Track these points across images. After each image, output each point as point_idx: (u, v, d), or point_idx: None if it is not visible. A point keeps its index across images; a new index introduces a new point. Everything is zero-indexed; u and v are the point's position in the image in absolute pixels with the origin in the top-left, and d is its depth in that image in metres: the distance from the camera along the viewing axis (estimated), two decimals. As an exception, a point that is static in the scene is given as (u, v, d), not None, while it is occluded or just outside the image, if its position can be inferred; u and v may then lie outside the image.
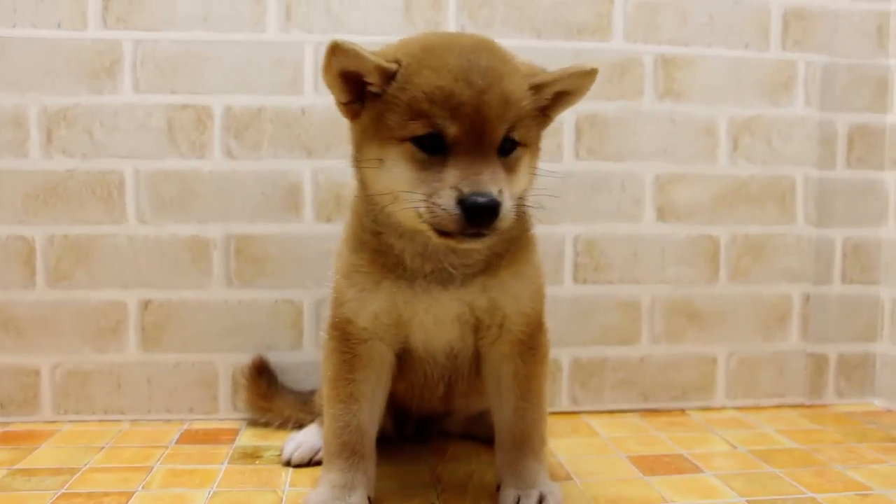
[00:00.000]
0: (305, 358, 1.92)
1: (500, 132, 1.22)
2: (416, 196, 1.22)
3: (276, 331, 1.93)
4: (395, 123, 1.24)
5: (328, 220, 1.91)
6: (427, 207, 1.21)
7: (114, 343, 1.90)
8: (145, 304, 1.90)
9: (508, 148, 1.25)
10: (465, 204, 1.17)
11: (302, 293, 1.93)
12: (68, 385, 1.90)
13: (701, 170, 2.03)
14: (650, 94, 2.00)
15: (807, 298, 2.09)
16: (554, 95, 1.32)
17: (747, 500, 1.45)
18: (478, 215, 1.17)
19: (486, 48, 1.28)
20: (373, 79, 1.26)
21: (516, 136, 1.25)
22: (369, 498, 1.38)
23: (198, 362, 1.92)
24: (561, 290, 1.99)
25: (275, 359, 1.92)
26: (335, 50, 1.23)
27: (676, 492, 1.50)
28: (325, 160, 1.90)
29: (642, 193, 2.01)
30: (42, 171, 1.87)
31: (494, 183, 1.19)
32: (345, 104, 1.32)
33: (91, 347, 1.90)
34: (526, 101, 1.26)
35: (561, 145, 1.98)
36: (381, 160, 1.26)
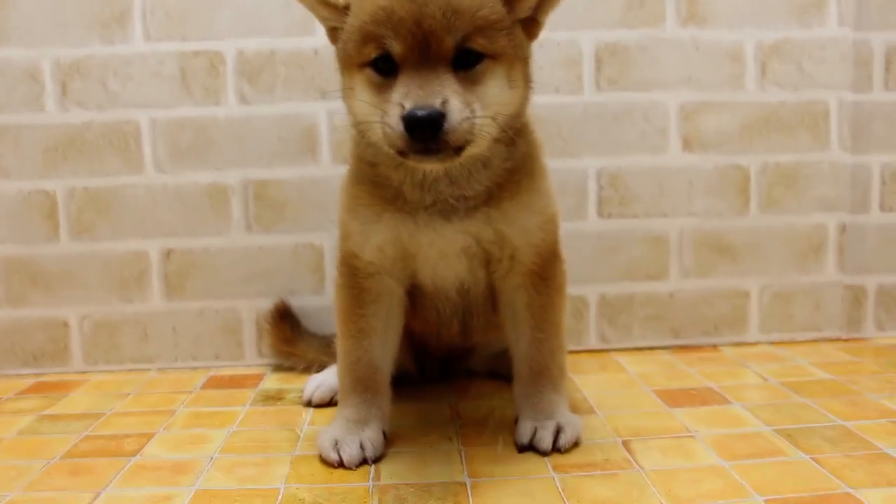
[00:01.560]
0: (328, 302, 1.89)
1: (449, 43, 1.18)
2: (377, 119, 1.20)
3: (297, 275, 1.93)
4: (354, 51, 1.25)
5: (345, 161, 1.88)
6: (381, 128, 1.19)
7: (138, 293, 1.92)
8: (167, 253, 1.91)
9: (472, 60, 1.21)
10: (405, 119, 1.14)
11: (322, 236, 1.92)
12: (96, 336, 1.92)
13: (728, 97, 1.96)
14: (672, 20, 1.93)
15: (843, 228, 2.02)
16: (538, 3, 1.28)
17: (773, 429, 1.42)
18: (418, 129, 1.14)
19: None
20: (323, 13, 1.31)
21: (477, 46, 1.20)
22: (384, 433, 1.38)
23: (221, 309, 1.93)
24: (585, 226, 1.95)
25: (297, 303, 1.91)
26: None
27: (700, 422, 1.46)
28: (339, 101, 1.86)
29: (667, 124, 1.95)
30: (59, 125, 1.88)
31: (437, 95, 1.15)
32: (329, 31, 1.34)
33: (117, 298, 1.92)
34: (486, 10, 1.20)
35: (581, 76, 1.92)
36: (351, 88, 1.28)
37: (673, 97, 1.95)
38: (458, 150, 1.19)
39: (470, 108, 1.18)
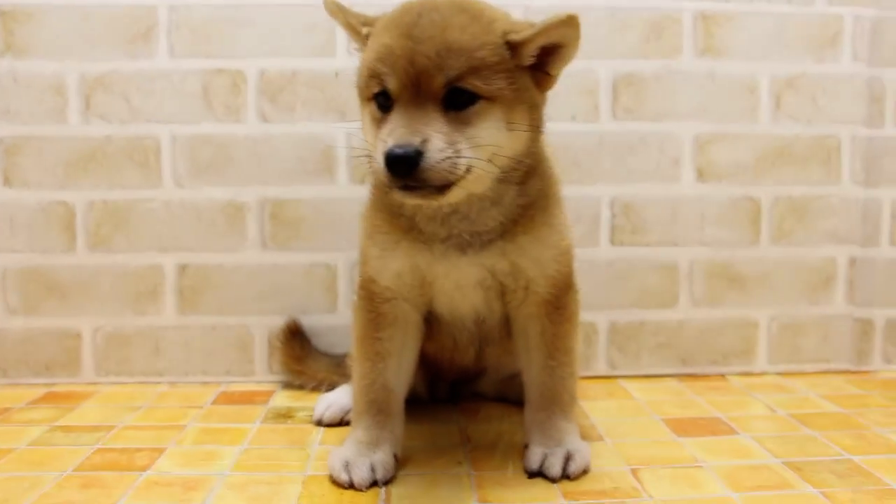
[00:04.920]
0: (340, 321, 1.93)
1: (439, 82, 1.18)
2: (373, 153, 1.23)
3: (310, 294, 1.94)
4: (363, 83, 1.27)
5: (362, 182, 1.90)
6: (374, 164, 1.22)
7: (152, 306, 1.93)
8: (182, 268, 1.92)
9: (464, 101, 1.20)
10: (385, 156, 1.16)
11: (336, 256, 1.93)
12: (108, 347, 1.94)
13: (742, 129, 1.98)
14: (689, 52, 1.95)
15: (853, 261, 2.03)
16: (542, 51, 1.26)
17: (782, 462, 1.42)
18: (395, 166, 1.15)
19: (451, 4, 1.24)
20: (355, 40, 1.34)
21: (469, 86, 1.19)
22: (395, 456, 1.39)
23: (234, 325, 1.94)
24: (598, 253, 1.96)
25: (309, 322, 1.93)
26: (324, 6, 1.35)
27: (709, 452, 1.47)
28: (358, 122, 1.88)
29: (681, 154, 1.97)
30: (81, 137, 1.90)
31: (419, 133, 1.16)
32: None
33: (130, 311, 1.93)
34: (485, 52, 1.20)
35: (597, 105, 1.94)
36: (362, 120, 1.31)
37: (688, 128, 1.97)
38: (442, 188, 1.19)
39: (454, 148, 1.18)
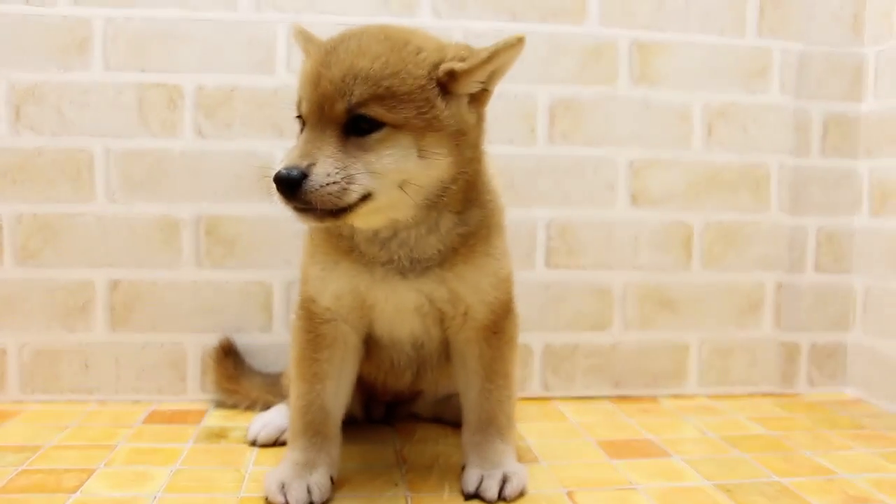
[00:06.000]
0: (275, 340, 1.91)
1: (339, 108, 1.19)
2: None
3: (245, 312, 1.92)
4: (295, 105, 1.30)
5: (300, 201, 1.89)
6: None
7: (82, 322, 1.88)
8: (114, 284, 1.88)
9: (367, 127, 1.20)
10: (274, 176, 1.17)
11: (272, 274, 1.91)
12: (35, 364, 1.88)
13: (675, 156, 2.03)
14: (625, 80, 2.00)
15: (780, 286, 2.09)
16: (488, 77, 1.28)
17: (714, 484, 1.45)
18: (280, 187, 1.17)
19: (377, 32, 1.25)
20: None
21: (371, 113, 1.20)
22: (332, 477, 1.37)
23: (166, 343, 1.90)
24: (533, 275, 1.98)
25: (244, 340, 1.90)
26: (293, 32, 1.38)
27: (643, 475, 1.49)
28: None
29: (616, 179, 2.01)
30: (10, 149, 1.84)
31: (308, 156, 1.18)
32: None
33: (59, 327, 1.88)
34: (394, 80, 1.20)
35: (534, 129, 1.97)
36: None
37: (623, 153, 2.01)
38: (336, 212, 1.20)
39: (344, 174, 1.18)
